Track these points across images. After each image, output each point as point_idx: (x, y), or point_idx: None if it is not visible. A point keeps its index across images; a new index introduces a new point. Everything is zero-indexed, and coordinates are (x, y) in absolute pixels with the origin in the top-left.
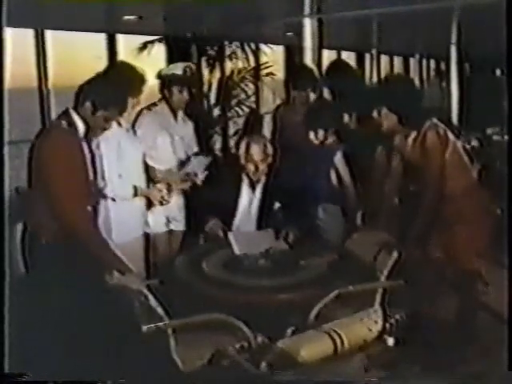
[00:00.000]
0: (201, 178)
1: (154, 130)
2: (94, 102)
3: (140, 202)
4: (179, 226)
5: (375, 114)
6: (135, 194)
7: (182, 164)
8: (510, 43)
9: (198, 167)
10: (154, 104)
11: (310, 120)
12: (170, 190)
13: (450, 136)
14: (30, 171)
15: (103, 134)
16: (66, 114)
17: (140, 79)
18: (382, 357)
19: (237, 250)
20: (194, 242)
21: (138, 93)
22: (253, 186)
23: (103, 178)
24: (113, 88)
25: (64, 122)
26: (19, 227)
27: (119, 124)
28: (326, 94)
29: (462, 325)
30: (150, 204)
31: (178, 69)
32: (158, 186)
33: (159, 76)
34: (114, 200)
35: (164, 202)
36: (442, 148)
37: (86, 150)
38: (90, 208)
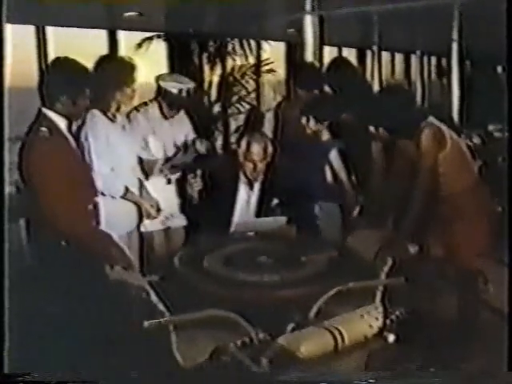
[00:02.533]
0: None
1: (144, 129)
2: (71, 95)
3: (130, 203)
4: (177, 222)
5: (372, 129)
6: (125, 195)
7: (167, 160)
8: (510, 40)
9: (187, 158)
10: (146, 103)
11: (305, 107)
12: (158, 209)
13: (450, 134)
14: (22, 172)
15: (89, 124)
16: (40, 115)
17: (129, 68)
18: (382, 353)
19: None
20: (194, 238)
21: (130, 81)
22: (250, 184)
23: (93, 169)
24: (85, 75)
25: (43, 129)
26: (22, 223)
27: (110, 118)
28: (327, 89)
29: (462, 323)
30: (139, 211)
31: (173, 87)
32: (151, 200)
33: (157, 81)
34: (103, 194)
35: (150, 218)
36: (437, 147)
37: (74, 145)
38: (90, 206)
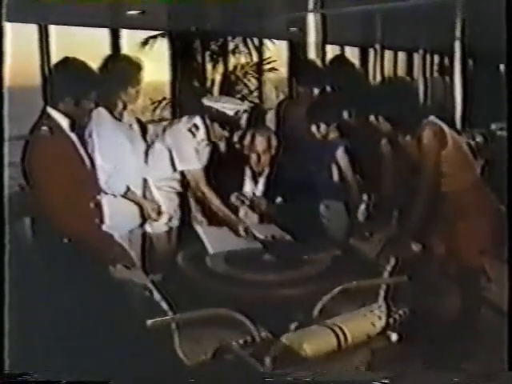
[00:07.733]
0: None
1: (172, 144)
2: (76, 95)
3: (131, 203)
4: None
5: (372, 118)
6: (126, 194)
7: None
8: (510, 38)
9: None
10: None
11: (313, 114)
12: (160, 212)
13: (450, 132)
14: (25, 171)
15: (94, 122)
16: (44, 114)
17: (136, 68)
18: (385, 352)
19: (210, 249)
20: (196, 237)
21: (136, 82)
22: (255, 179)
23: (96, 168)
24: (93, 77)
25: (44, 129)
26: (26, 222)
27: (116, 117)
28: (328, 88)
29: (465, 322)
30: (141, 212)
31: (230, 109)
32: (152, 203)
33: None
34: (105, 193)
35: (151, 220)
36: (438, 146)
37: (77, 143)
38: (92, 205)
